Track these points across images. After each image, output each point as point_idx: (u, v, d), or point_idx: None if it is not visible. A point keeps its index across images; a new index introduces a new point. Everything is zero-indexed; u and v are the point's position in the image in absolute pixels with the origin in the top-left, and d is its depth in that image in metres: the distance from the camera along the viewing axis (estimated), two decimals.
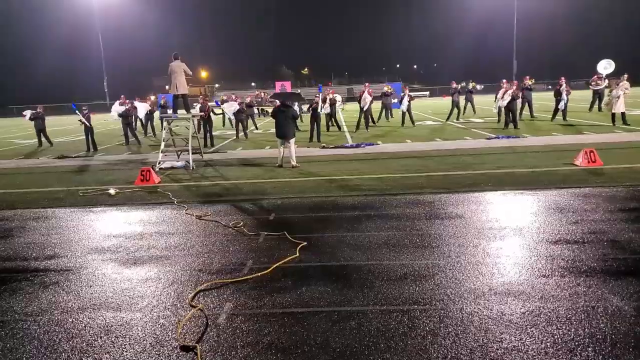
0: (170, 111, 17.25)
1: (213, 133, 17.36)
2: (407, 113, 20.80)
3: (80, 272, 5.13)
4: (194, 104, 18.58)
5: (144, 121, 22.51)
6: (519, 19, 64.64)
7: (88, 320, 4.02)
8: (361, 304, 4.06)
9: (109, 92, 58.96)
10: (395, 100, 23.97)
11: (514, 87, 18.32)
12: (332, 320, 3.80)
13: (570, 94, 19.96)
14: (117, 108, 19.22)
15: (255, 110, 29.11)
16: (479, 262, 4.88)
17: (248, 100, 22.68)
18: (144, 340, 3.65)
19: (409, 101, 20.70)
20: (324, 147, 14.83)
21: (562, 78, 19.95)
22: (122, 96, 20.24)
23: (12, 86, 69.26)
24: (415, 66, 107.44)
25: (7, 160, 15.88)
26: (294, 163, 11.38)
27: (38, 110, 19.32)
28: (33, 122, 19.28)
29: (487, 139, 15.01)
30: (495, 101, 19.00)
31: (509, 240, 5.52)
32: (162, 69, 14.99)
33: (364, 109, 19.06)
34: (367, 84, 22.89)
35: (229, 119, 20.50)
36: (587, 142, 12.58)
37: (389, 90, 24.01)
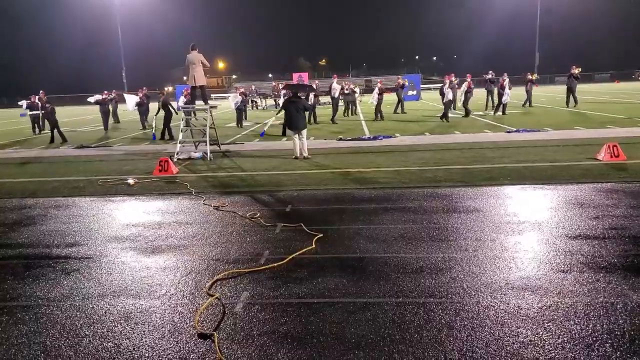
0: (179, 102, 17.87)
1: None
2: (376, 105, 21.18)
3: (100, 260, 5.24)
4: (183, 97, 19.06)
5: (138, 114, 21.71)
6: (541, 10, 63.44)
7: (108, 306, 4.11)
8: (377, 295, 4.07)
9: (128, 82, 59.64)
10: (414, 92, 24.05)
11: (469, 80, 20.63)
12: (347, 311, 3.81)
13: (511, 89, 20.45)
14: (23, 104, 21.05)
15: (251, 102, 31.15)
16: (496, 256, 4.85)
17: (242, 90, 23.11)
18: (162, 327, 3.72)
19: (379, 95, 21.02)
20: (340, 139, 14.81)
21: (505, 73, 20.48)
22: (42, 92, 21.13)
23: (34, 78, 70.51)
24: (434, 58, 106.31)
25: (28, 149, 16.20)
26: (305, 154, 11.42)
27: (31, 100, 20.28)
28: (28, 112, 20.54)
29: (507, 132, 14.81)
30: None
31: (527, 234, 5.46)
32: (180, 60, 15.08)
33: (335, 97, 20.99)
34: (334, 76, 23.68)
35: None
36: (611, 136, 12.34)
37: (403, 82, 24.08)
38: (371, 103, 21.59)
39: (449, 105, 19.46)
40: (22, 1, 75.28)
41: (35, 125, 21.39)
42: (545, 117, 18.88)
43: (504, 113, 20.32)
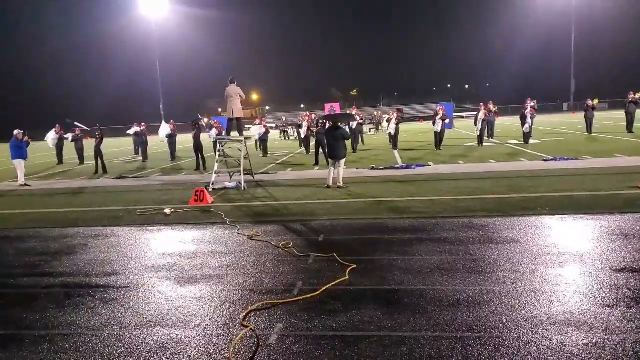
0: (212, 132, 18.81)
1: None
2: (393, 136, 21.15)
3: (137, 289, 5.34)
4: (210, 129, 19.74)
5: (167, 143, 22.23)
6: (576, 35, 62.70)
7: (145, 336, 4.16)
8: (413, 329, 3.99)
9: (165, 113, 61.78)
10: (447, 121, 24.10)
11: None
12: (383, 345, 3.74)
13: (535, 117, 19.88)
14: (51, 135, 22.85)
15: (282, 132, 35.17)
16: (536, 289, 4.69)
17: (264, 121, 25.56)
18: (197, 358, 3.73)
19: (397, 124, 21.08)
20: (373, 167, 14.80)
21: (528, 99, 19.84)
22: (58, 125, 23.17)
23: (77, 109, 73.91)
24: (467, 86, 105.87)
25: (72, 179, 16.82)
26: (340, 184, 11.44)
27: (55, 130, 22.88)
28: (73, 143, 22.36)
29: (544, 160, 14.49)
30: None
31: (568, 267, 5.27)
32: (216, 92, 15.58)
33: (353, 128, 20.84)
34: (353, 107, 24.26)
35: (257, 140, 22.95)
36: None
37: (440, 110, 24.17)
38: (389, 133, 21.72)
39: (441, 135, 19.85)
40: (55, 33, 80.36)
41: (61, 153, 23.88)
42: (583, 145, 18.40)
43: (526, 142, 19.80)
